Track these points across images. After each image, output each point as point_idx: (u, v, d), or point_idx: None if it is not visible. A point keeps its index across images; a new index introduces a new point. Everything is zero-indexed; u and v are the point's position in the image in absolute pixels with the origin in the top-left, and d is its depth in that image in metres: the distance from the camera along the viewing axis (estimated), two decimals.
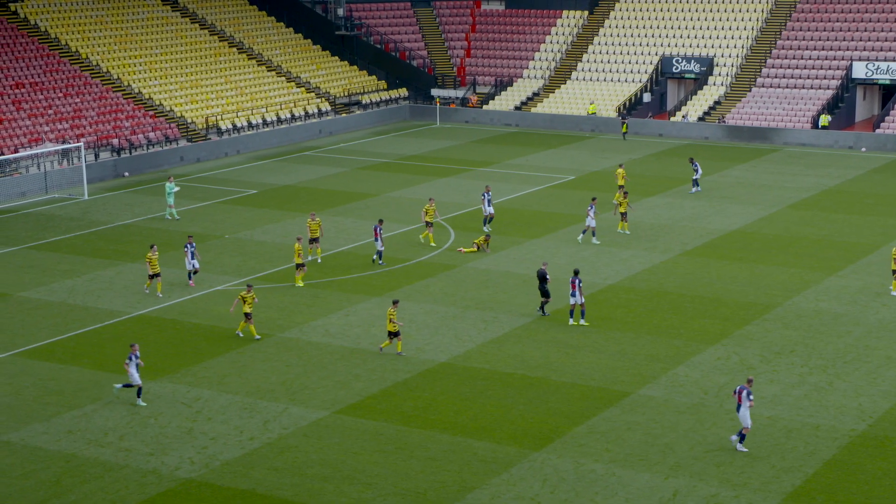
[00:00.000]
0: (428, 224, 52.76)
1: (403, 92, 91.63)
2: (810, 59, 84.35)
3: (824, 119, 78.47)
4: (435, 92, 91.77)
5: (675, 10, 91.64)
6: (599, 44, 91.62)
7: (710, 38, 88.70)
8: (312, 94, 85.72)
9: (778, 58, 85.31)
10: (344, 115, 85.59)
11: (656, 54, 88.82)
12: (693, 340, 40.70)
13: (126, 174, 69.82)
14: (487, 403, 35.53)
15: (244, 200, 62.83)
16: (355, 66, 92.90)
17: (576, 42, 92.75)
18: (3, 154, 66.03)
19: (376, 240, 49.64)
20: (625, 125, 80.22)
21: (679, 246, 52.78)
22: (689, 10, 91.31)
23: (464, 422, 34.18)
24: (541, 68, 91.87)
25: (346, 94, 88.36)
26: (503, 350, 39.94)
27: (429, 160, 73.50)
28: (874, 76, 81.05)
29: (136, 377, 35.30)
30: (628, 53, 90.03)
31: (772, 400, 35.23)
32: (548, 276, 43.19)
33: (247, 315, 40.98)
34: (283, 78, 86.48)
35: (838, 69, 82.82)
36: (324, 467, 31.34)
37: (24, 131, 69.05)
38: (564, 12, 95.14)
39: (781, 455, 31.76)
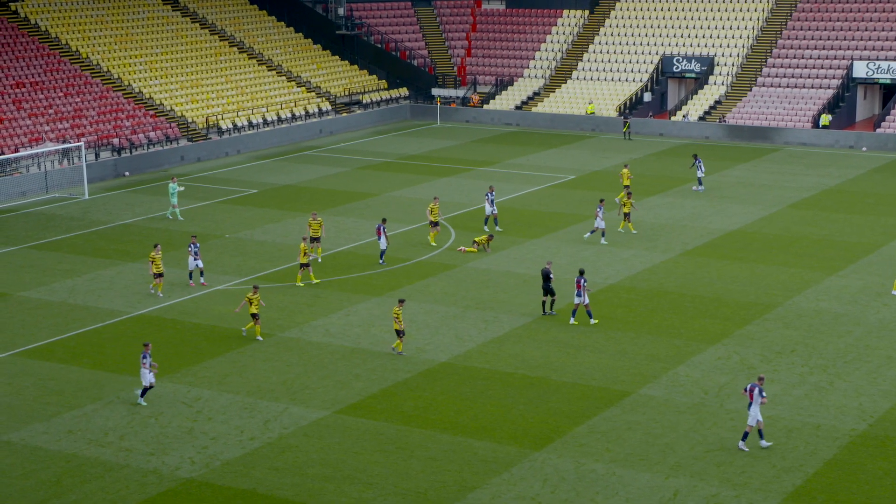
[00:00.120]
0: (433, 224, 52.68)
1: (404, 91, 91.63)
2: (811, 58, 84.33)
3: (825, 118, 78.46)
4: (435, 91, 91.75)
5: (676, 10, 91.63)
6: (600, 43, 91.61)
7: (711, 37, 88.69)
8: (313, 94, 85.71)
9: (778, 57, 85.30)
10: (344, 114, 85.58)
11: (657, 54, 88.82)
12: (693, 340, 40.70)
13: (126, 174, 69.81)
14: (488, 403, 35.52)
15: (244, 200, 62.83)
16: (356, 66, 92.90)
17: (576, 41, 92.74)
18: (3, 153, 66.03)
19: (379, 238, 49.66)
20: (627, 125, 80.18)
21: (680, 245, 52.77)
22: (690, 10, 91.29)
23: (464, 421, 34.17)
24: (541, 68, 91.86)
25: (346, 93, 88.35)
26: (503, 350, 39.93)
27: (429, 160, 73.49)
28: (875, 75, 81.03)
29: (145, 377, 35.18)
30: (629, 53, 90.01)
31: (772, 399, 35.19)
32: (552, 276, 43.19)
33: (253, 316, 40.95)
34: (284, 77, 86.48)
35: (839, 69, 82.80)
36: (324, 467, 31.34)
37: (24, 131, 69.05)
38: (565, 12, 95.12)
39: (782, 455, 31.75)
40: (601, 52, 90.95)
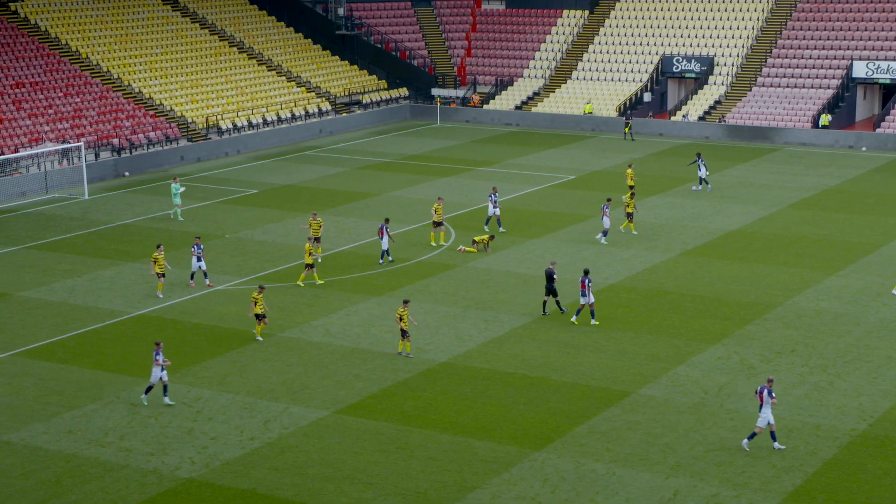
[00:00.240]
0: (436, 224, 52.61)
1: (404, 91, 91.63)
2: (811, 58, 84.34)
3: (825, 118, 78.46)
4: (435, 91, 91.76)
5: (676, 10, 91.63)
6: (600, 43, 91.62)
7: (711, 37, 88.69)
8: (313, 94, 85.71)
9: (778, 57, 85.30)
10: (344, 114, 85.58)
11: (657, 54, 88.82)
12: (693, 340, 40.70)
13: (126, 174, 69.81)
14: (488, 403, 35.52)
15: (244, 200, 62.83)
16: (356, 66, 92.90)
17: (576, 42, 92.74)
18: (3, 154, 66.02)
19: (382, 238, 49.66)
20: (628, 125, 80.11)
21: (680, 245, 52.77)
22: (690, 10, 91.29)
23: (464, 421, 34.17)
24: (541, 68, 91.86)
25: (346, 93, 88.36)
26: (504, 350, 39.93)
27: (429, 160, 73.49)
28: (874, 75, 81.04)
29: (154, 375, 35.13)
30: (629, 53, 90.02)
31: None
32: (555, 276, 43.19)
33: (257, 316, 40.90)
34: (284, 77, 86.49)
35: (839, 69, 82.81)
36: (324, 467, 31.34)
37: (24, 131, 69.05)
38: (565, 12, 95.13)
39: (782, 455, 31.75)
40: (601, 53, 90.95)
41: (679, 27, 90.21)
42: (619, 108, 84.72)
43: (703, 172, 63.53)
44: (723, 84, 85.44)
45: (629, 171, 61.27)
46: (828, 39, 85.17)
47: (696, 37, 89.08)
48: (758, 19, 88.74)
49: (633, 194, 55.21)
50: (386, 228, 49.77)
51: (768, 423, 31.72)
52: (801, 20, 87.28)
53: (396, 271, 49.23)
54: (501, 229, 54.90)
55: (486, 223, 55.35)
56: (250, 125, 79.14)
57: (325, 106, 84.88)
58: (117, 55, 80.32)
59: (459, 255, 51.34)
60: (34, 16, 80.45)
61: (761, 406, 31.74)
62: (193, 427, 33.95)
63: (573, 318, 42.40)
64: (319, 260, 50.39)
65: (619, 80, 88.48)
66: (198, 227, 56.58)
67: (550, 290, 43.13)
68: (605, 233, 53.00)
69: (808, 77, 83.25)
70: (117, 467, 31.41)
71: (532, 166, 71.11)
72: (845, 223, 56.61)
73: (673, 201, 61.32)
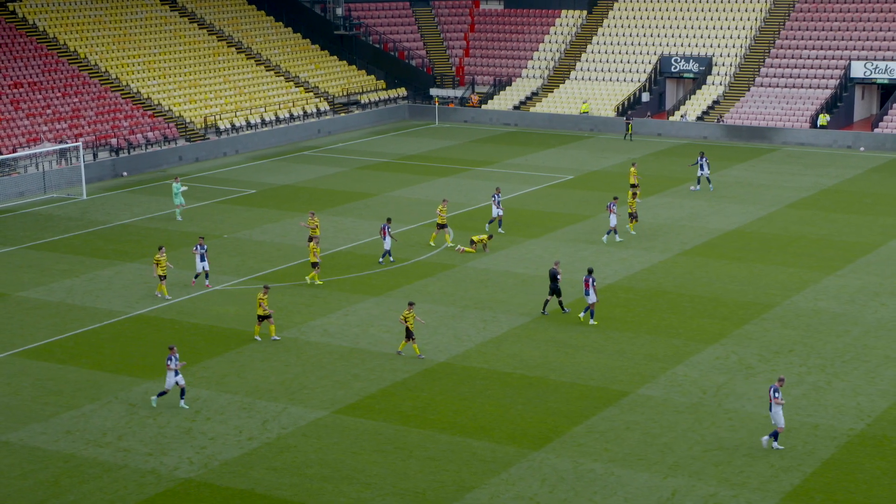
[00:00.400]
0: (439, 226, 52.50)
1: (402, 91, 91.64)
2: (809, 58, 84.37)
3: (823, 118, 78.48)
4: (434, 91, 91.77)
5: (674, 10, 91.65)
6: (598, 43, 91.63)
7: (709, 37, 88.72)
8: (311, 94, 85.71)
9: (776, 57, 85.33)
10: (343, 114, 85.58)
11: (655, 54, 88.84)
12: (692, 340, 40.72)
13: (124, 174, 69.81)
14: (486, 403, 35.53)
15: (243, 200, 62.83)
16: (354, 66, 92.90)
17: (574, 41, 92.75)
18: (1, 154, 66.01)
19: (384, 238, 49.67)
20: (629, 126, 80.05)
21: (678, 245, 52.79)
22: (688, 10, 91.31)
23: (463, 421, 34.18)
24: (539, 68, 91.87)
25: (344, 93, 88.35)
26: (502, 350, 39.94)
27: (428, 160, 73.50)
28: (872, 76, 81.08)
29: (169, 381, 34.96)
30: (627, 53, 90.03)
31: None
32: (559, 276, 43.20)
33: (259, 317, 40.88)
34: (282, 77, 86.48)
35: (837, 69, 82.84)
36: (323, 467, 31.34)
37: (22, 131, 69.04)
38: (563, 12, 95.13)
39: (780, 454, 31.77)
40: (599, 53, 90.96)
41: (677, 27, 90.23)
42: (618, 109, 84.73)
43: (705, 172, 63.50)
44: (721, 84, 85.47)
45: (633, 169, 61.17)
46: (826, 39, 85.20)
47: (694, 37, 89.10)
48: (756, 19, 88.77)
49: (635, 193, 55.19)
50: (388, 228, 49.79)
51: (773, 423, 31.80)
52: (800, 20, 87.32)
53: (395, 271, 49.24)
54: (500, 230, 54.90)
55: (488, 224, 55.23)
56: (249, 125, 79.14)
57: (324, 106, 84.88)
58: (116, 55, 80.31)
59: (458, 255, 51.34)
60: (32, 16, 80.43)
61: (771, 406, 31.77)
62: (192, 427, 33.95)
63: (581, 314, 42.41)
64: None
65: (618, 80, 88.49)
66: (196, 227, 56.57)
67: (554, 290, 43.15)
68: (611, 231, 52.89)
69: (807, 77, 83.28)
70: (115, 467, 31.41)
71: (530, 166, 71.12)
72: (843, 223, 56.63)
73: (671, 201, 61.35)
